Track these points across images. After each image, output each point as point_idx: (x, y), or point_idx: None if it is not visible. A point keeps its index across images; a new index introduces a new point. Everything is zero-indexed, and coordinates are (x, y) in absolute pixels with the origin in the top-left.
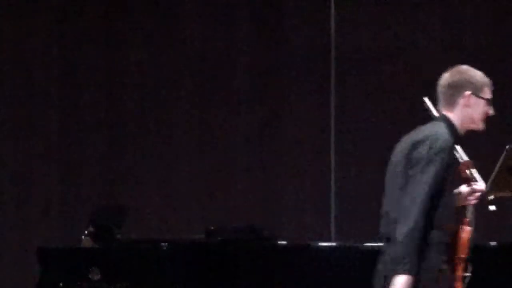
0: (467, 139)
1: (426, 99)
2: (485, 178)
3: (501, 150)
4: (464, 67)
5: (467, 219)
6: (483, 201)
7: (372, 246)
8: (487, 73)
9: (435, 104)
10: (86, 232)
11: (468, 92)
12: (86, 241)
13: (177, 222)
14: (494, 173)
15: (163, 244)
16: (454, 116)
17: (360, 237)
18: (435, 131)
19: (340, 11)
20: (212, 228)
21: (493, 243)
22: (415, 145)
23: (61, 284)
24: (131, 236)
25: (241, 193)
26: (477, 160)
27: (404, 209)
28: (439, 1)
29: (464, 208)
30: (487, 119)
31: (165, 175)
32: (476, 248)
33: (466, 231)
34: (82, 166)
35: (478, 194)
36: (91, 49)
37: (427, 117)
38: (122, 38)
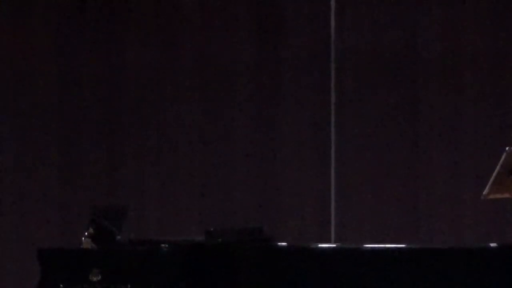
0: (467, 140)
1: None
2: (485, 180)
3: (501, 151)
4: None
5: None
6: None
7: (372, 248)
8: (486, 73)
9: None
10: (86, 233)
11: None
12: (86, 242)
13: (177, 224)
14: (494, 175)
15: (163, 245)
16: None
17: (360, 238)
18: None
19: (340, 11)
20: (211, 229)
21: (493, 245)
22: None
23: (61, 286)
24: (131, 238)
25: (240, 194)
26: (477, 161)
27: None
28: (439, 1)
29: None
30: (488, 120)
31: (165, 176)
32: (476, 250)
33: None
34: (82, 167)
35: None
36: (91, 50)
37: (427, 116)
38: (122, 38)
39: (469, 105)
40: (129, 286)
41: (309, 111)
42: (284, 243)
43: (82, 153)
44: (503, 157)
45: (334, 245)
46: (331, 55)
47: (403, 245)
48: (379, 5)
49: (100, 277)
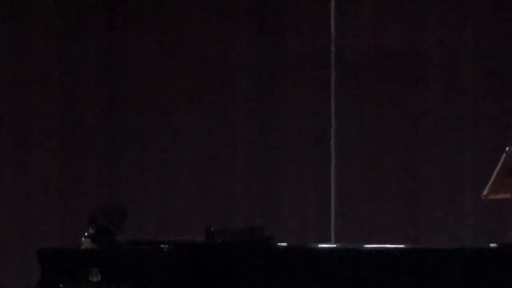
0: (467, 140)
1: None
2: (485, 180)
3: (501, 151)
4: None
5: None
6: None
7: (372, 248)
8: (486, 73)
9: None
10: (86, 233)
11: None
12: (86, 242)
13: (177, 224)
14: (493, 175)
15: (163, 245)
16: None
17: (360, 238)
18: None
19: (340, 11)
20: (212, 229)
21: (493, 245)
22: None
23: (61, 286)
24: (131, 238)
25: (241, 194)
26: (477, 161)
27: None
28: (439, 1)
29: None
30: (488, 120)
31: (165, 176)
32: (476, 250)
33: None
34: (82, 167)
35: None
36: (92, 50)
37: (427, 116)
38: (123, 38)
39: (469, 105)
40: (129, 285)
41: (309, 110)
42: (284, 243)
43: (82, 153)
44: (503, 157)
45: (334, 245)
46: (331, 55)
47: (403, 245)
48: (379, 5)
49: (100, 277)
